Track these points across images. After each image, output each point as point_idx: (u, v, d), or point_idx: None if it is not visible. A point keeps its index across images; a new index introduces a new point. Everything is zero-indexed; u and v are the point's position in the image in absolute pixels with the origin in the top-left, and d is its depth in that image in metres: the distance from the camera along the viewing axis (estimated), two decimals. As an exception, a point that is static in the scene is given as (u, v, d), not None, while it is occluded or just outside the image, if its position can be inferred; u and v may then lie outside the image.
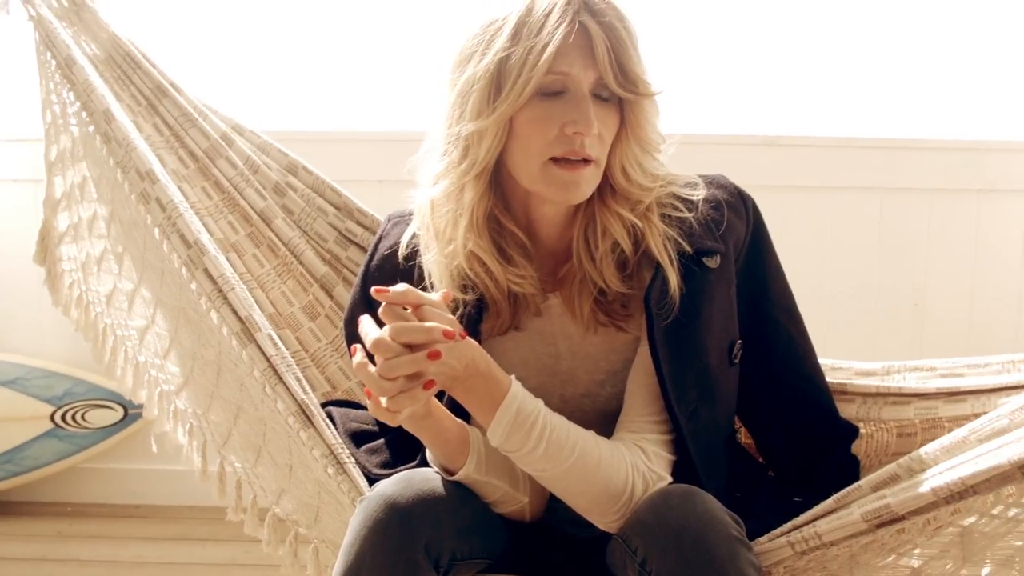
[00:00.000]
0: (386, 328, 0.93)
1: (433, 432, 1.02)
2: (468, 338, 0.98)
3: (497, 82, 1.00)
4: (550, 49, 0.97)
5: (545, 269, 1.12)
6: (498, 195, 1.07)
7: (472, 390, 0.99)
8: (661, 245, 1.06)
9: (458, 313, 1.09)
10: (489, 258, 1.07)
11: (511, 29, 0.99)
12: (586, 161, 1.02)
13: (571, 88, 1.00)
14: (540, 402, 1.02)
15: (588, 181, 1.03)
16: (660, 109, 1.07)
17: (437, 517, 0.97)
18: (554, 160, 1.02)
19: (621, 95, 1.01)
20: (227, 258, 1.24)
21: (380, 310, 0.94)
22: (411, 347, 0.93)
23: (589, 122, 0.99)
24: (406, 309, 0.95)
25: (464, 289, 1.09)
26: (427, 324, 0.93)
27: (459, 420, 1.05)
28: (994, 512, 0.97)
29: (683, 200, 1.09)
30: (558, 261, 1.12)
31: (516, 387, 1.01)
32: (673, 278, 1.05)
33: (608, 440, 1.05)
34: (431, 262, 1.09)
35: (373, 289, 0.94)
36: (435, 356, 0.93)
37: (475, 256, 1.07)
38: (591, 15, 0.99)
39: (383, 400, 0.94)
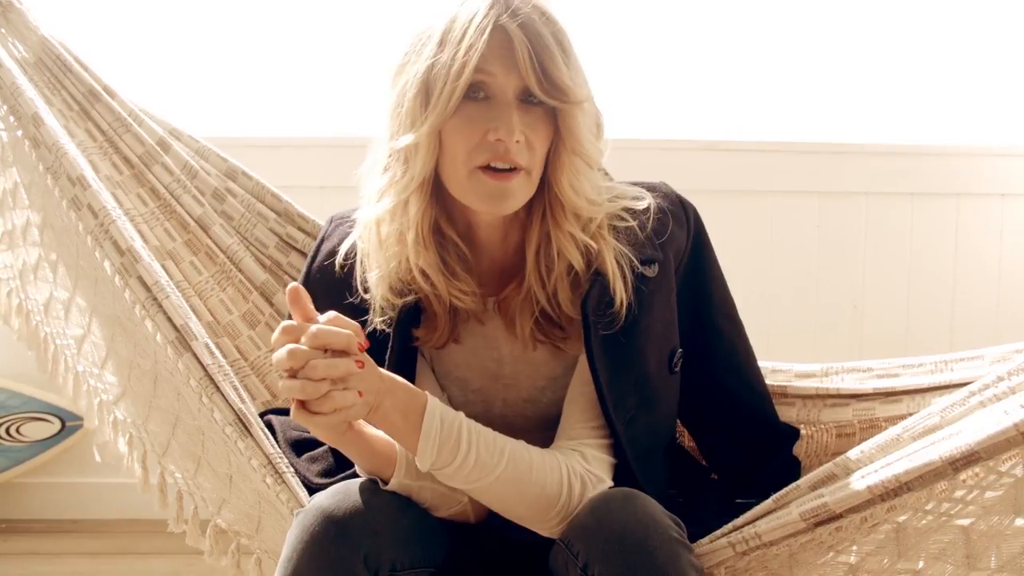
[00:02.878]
0: (309, 333, 0.91)
1: (358, 446, 1.01)
2: (367, 354, 0.95)
3: (426, 92, 0.99)
4: (470, 55, 0.96)
5: (489, 282, 1.11)
6: (441, 206, 1.06)
7: (396, 405, 0.97)
8: (613, 260, 1.05)
9: (392, 315, 1.07)
10: (434, 271, 1.05)
11: (437, 38, 0.98)
12: (515, 170, 1.00)
13: (496, 94, 0.99)
14: (460, 413, 1.01)
15: (516, 192, 1.01)
16: (600, 120, 1.05)
17: (375, 527, 0.96)
18: (481, 169, 1.00)
19: (546, 102, 0.99)
20: (163, 266, 1.22)
21: (287, 324, 0.92)
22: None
23: (510, 127, 0.97)
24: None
25: (401, 296, 1.07)
26: (347, 331, 0.92)
27: (379, 432, 1.03)
28: (927, 508, 0.99)
29: (629, 211, 1.09)
30: (503, 276, 1.11)
31: (432, 397, 1.00)
32: (620, 292, 1.05)
33: (538, 448, 1.04)
34: (372, 278, 1.08)
35: (289, 288, 0.93)
36: (361, 364, 0.92)
37: (422, 271, 1.05)
38: (514, 19, 0.97)
39: (315, 402, 0.91)
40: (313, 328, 0.91)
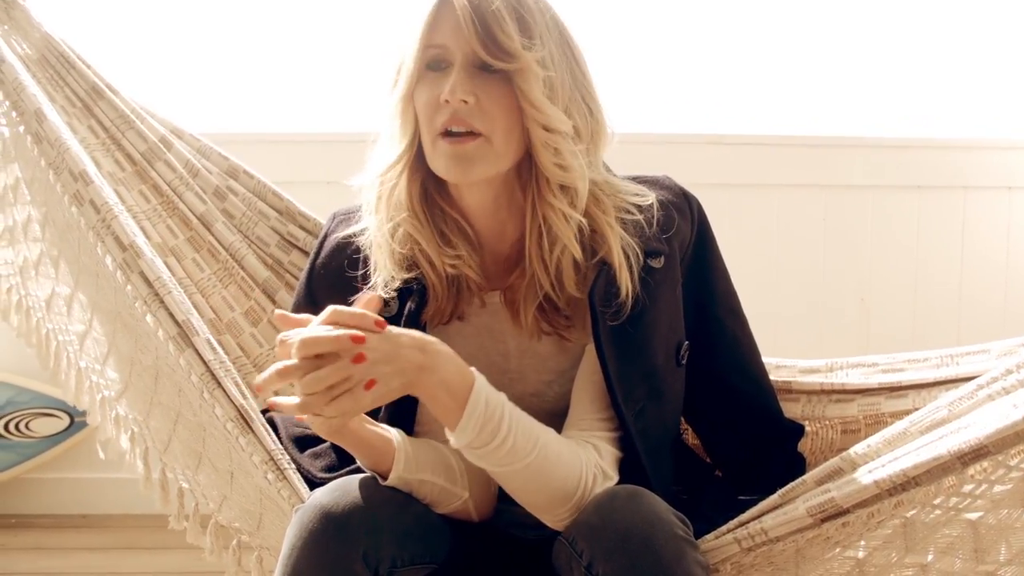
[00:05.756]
0: (294, 347, 0.90)
1: (354, 441, 1.00)
2: (394, 329, 0.94)
3: (399, 64, 1.06)
4: (420, 25, 1.02)
5: (494, 276, 1.12)
6: (432, 179, 1.09)
7: (444, 382, 0.95)
8: (620, 249, 1.06)
9: (401, 300, 1.08)
10: (426, 239, 1.07)
11: (408, 13, 1.05)
12: (473, 135, 1.02)
13: (450, 61, 1.03)
14: (502, 394, 1.00)
15: (476, 157, 1.03)
16: (580, 92, 1.06)
17: (375, 524, 0.95)
18: (442, 136, 1.03)
19: (495, 65, 1.01)
20: (166, 263, 1.21)
21: (280, 338, 0.92)
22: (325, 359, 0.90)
23: (452, 88, 1.01)
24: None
25: (406, 271, 1.09)
26: (333, 333, 0.90)
27: (378, 426, 1.03)
28: (935, 502, 0.98)
29: (636, 205, 1.10)
30: (506, 266, 1.11)
31: (480, 375, 0.99)
32: (626, 282, 1.05)
33: (565, 438, 1.04)
34: (376, 239, 1.10)
35: (275, 314, 0.94)
36: (360, 359, 0.90)
37: (411, 237, 1.08)
38: None
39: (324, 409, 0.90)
40: (298, 338, 0.90)
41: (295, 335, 0.91)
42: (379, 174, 1.09)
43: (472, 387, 0.97)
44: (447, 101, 1.01)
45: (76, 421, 2.13)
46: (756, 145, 2.11)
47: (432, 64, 1.04)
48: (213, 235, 1.34)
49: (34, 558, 2.01)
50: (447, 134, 1.03)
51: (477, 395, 0.96)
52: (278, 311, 0.95)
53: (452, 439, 0.98)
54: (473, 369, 0.99)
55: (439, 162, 1.04)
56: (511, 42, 1.00)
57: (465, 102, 1.01)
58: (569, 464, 1.01)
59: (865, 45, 2.16)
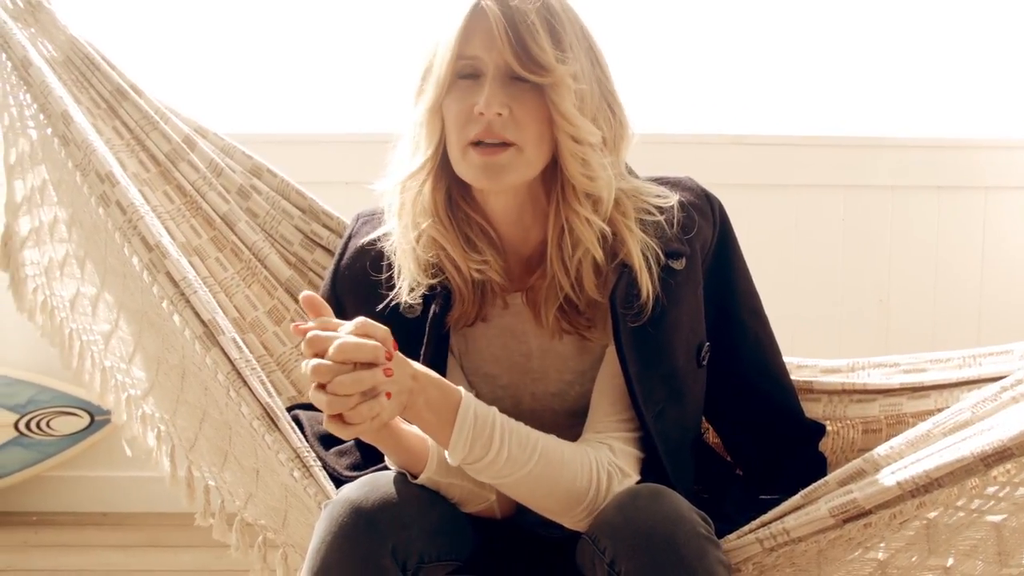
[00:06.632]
0: (333, 348, 0.90)
1: (392, 442, 1.01)
2: (399, 353, 0.96)
3: (427, 71, 1.05)
4: (452, 34, 1.02)
5: (516, 277, 1.12)
6: (458, 185, 1.09)
7: (428, 403, 0.97)
8: (639, 252, 1.07)
9: (424, 303, 1.08)
10: (451, 245, 1.08)
11: (438, 20, 1.04)
12: (505, 146, 1.02)
13: (484, 72, 1.03)
14: (493, 408, 1.02)
15: (508, 166, 1.03)
16: (606, 100, 1.06)
17: (403, 520, 0.96)
18: (474, 146, 1.03)
19: (527, 77, 1.02)
20: (190, 262, 1.22)
21: (311, 336, 0.92)
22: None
23: (488, 100, 1.01)
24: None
25: (430, 276, 1.09)
26: (372, 342, 0.91)
27: (413, 428, 1.03)
28: (958, 504, 0.98)
29: (656, 207, 1.10)
30: (527, 268, 1.12)
31: (467, 393, 1.01)
32: (647, 284, 1.06)
33: (569, 441, 1.05)
34: (401, 246, 1.10)
35: (302, 296, 0.94)
36: (389, 372, 0.92)
37: (437, 243, 1.08)
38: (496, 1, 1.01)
39: (347, 414, 0.91)
40: (337, 342, 0.90)
41: (328, 336, 0.91)
42: (403, 180, 1.08)
43: (458, 405, 0.98)
44: (481, 113, 1.01)
45: (96, 420, 2.15)
46: (776, 145, 2.11)
47: (462, 74, 1.03)
48: (236, 234, 1.35)
49: (55, 555, 2.03)
50: (477, 144, 1.03)
51: (464, 412, 0.98)
52: (306, 292, 0.95)
53: (448, 457, 1.00)
54: (461, 388, 1.01)
55: (470, 171, 1.04)
56: (545, 55, 1.00)
57: (499, 114, 1.01)
58: (575, 466, 1.01)
59: (885, 44, 2.15)
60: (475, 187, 1.08)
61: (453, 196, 1.09)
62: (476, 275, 1.09)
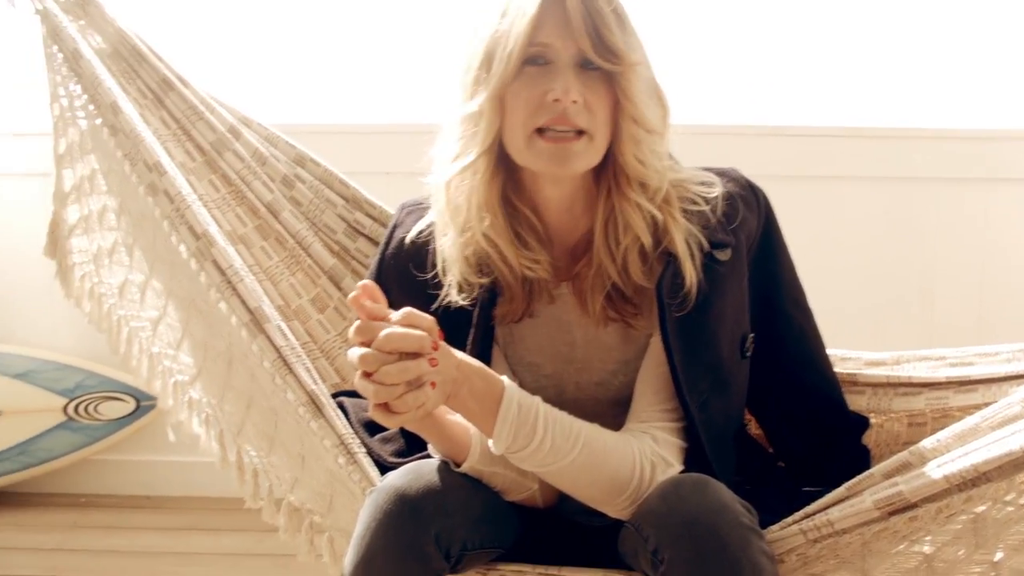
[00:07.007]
0: (380, 337, 0.91)
1: (436, 431, 1.02)
2: (444, 343, 0.96)
3: (489, 59, 1.03)
4: (526, 21, 1.00)
5: (562, 266, 1.12)
6: (510, 176, 1.08)
7: (472, 393, 0.98)
8: (683, 240, 1.07)
9: (472, 297, 1.09)
10: (504, 242, 1.07)
11: (500, 8, 1.03)
12: (578, 134, 1.02)
13: (553, 59, 1.02)
14: (536, 397, 1.02)
15: (579, 154, 1.03)
16: (659, 91, 1.07)
17: (447, 507, 0.97)
18: (540, 133, 1.02)
19: (601, 65, 1.02)
20: (235, 250, 1.24)
21: (359, 325, 0.92)
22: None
23: (566, 87, 1.00)
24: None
25: (479, 274, 1.09)
26: (418, 332, 0.92)
27: (457, 417, 1.04)
28: (1007, 499, 0.97)
29: (701, 196, 1.10)
30: (573, 256, 1.12)
31: (510, 383, 1.01)
32: (690, 273, 1.06)
33: (612, 430, 1.05)
34: (447, 246, 1.10)
35: (360, 285, 0.94)
36: (435, 363, 0.93)
37: (490, 239, 1.07)
38: None
39: (392, 403, 0.92)
40: (384, 332, 0.91)
41: (375, 326, 0.92)
42: (459, 172, 1.07)
43: (502, 395, 0.99)
44: (557, 100, 1.01)
45: (142, 405, 2.19)
46: (819, 136, 2.08)
47: (529, 61, 1.02)
48: (280, 223, 1.36)
49: (102, 536, 2.08)
50: (545, 131, 1.02)
51: (508, 402, 0.99)
52: (364, 281, 0.95)
53: (491, 446, 1.01)
54: (504, 378, 1.01)
55: (539, 159, 1.04)
56: (619, 43, 1.01)
57: (574, 101, 1.01)
58: (619, 455, 1.02)
59: (932, 33, 2.11)
60: (535, 175, 1.07)
61: (505, 190, 1.08)
62: (527, 272, 1.09)
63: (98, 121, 1.28)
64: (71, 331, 2.14)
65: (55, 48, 1.32)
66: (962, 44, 2.11)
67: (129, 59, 1.37)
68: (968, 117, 2.12)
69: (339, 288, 1.37)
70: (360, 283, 0.95)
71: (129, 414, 2.20)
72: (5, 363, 2.16)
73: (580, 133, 1.03)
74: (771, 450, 1.26)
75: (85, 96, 1.30)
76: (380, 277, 1.18)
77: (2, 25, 2.05)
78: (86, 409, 2.18)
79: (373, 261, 1.21)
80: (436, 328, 0.95)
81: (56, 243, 1.48)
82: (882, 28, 2.12)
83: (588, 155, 1.04)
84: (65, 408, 2.17)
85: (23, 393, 2.16)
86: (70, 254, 1.48)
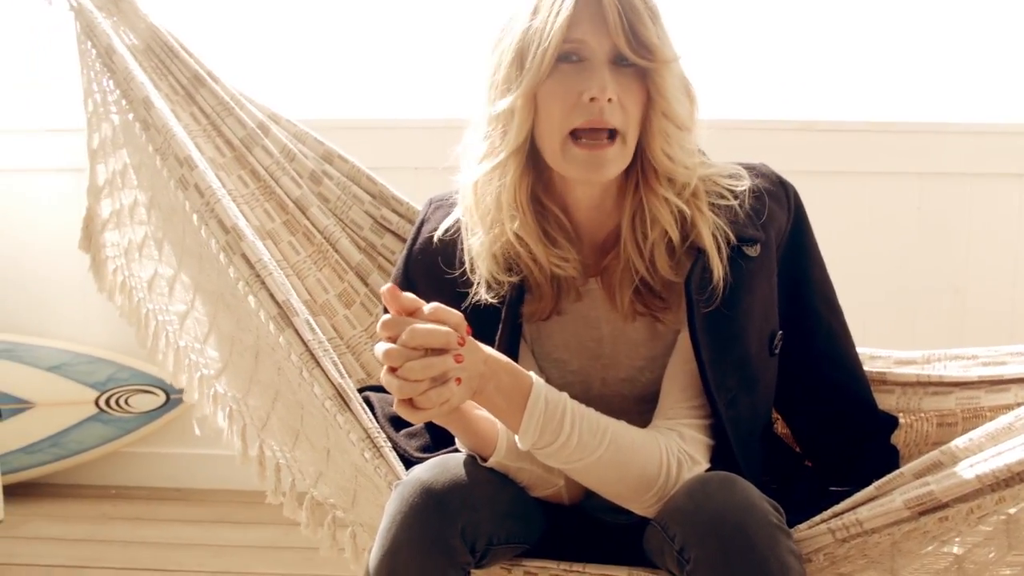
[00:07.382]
0: (405, 333, 0.90)
1: (463, 426, 1.02)
2: (471, 339, 0.96)
3: (521, 57, 1.02)
4: (562, 18, 0.99)
5: (589, 261, 1.12)
6: (539, 176, 1.08)
7: (500, 389, 0.98)
8: (710, 234, 1.06)
9: (501, 295, 1.08)
10: (533, 240, 1.07)
11: (532, 6, 1.02)
12: (611, 137, 1.01)
13: (588, 56, 1.01)
14: (564, 393, 1.02)
15: (612, 160, 1.02)
16: (689, 87, 1.06)
17: (473, 502, 0.97)
18: (575, 138, 1.02)
19: (636, 62, 1.01)
20: (264, 245, 1.24)
21: (386, 320, 0.92)
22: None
23: (602, 85, 0.99)
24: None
25: (508, 272, 1.09)
26: (444, 328, 0.92)
27: (483, 412, 1.04)
28: (1040, 500, 0.95)
29: (728, 189, 1.09)
30: (601, 251, 1.12)
31: (538, 379, 1.01)
32: (718, 267, 1.05)
33: (639, 427, 1.04)
34: (475, 245, 1.09)
35: (384, 290, 0.93)
36: (460, 359, 0.92)
37: (519, 239, 1.07)
38: None
39: (417, 399, 0.92)
40: (410, 327, 0.91)
41: (401, 321, 0.92)
42: (489, 170, 1.06)
43: (530, 391, 0.99)
44: (593, 99, 1.00)
45: (172, 398, 2.22)
46: (849, 131, 2.06)
47: (564, 58, 1.01)
48: (308, 219, 1.37)
49: (133, 528, 2.10)
50: (578, 137, 1.01)
51: (535, 398, 0.99)
52: (389, 285, 0.94)
53: (518, 442, 1.00)
54: (531, 373, 1.01)
55: (572, 166, 1.03)
56: (654, 39, 1.00)
57: (610, 100, 1.00)
58: (645, 452, 1.01)
59: (963, 27, 2.08)
60: (569, 185, 1.06)
61: (534, 189, 1.07)
62: (557, 271, 1.08)
63: (130, 116, 1.30)
64: (103, 325, 2.17)
65: (89, 44, 1.34)
66: (996, 38, 2.08)
67: (161, 55, 1.38)
68: (1002, 112, 2.09)
69: (366, 284, 1.38)
70: (384, 287, 0.94)
71: (159, 407, 2.22)
72: (38, 356, 2.20)
73: (613, 136, 1.02)
74: (799, 449, 1.24)
75: (118, 91, 1.31)
76: (407, 273, 1.19)
77: (37, 23, 2.08)
78: (117, 402, 2.21)
79: (400, 257, 1.22)
80: (464, 324, 0.95)
81: (90, 237, 1.50)
82: (915, 21, 2.09)
83: (620, 160, 1.04)
84: (97, 401, 2.20)
85: (56, 386, 2.19)
86: (103, 248, 1.50)
